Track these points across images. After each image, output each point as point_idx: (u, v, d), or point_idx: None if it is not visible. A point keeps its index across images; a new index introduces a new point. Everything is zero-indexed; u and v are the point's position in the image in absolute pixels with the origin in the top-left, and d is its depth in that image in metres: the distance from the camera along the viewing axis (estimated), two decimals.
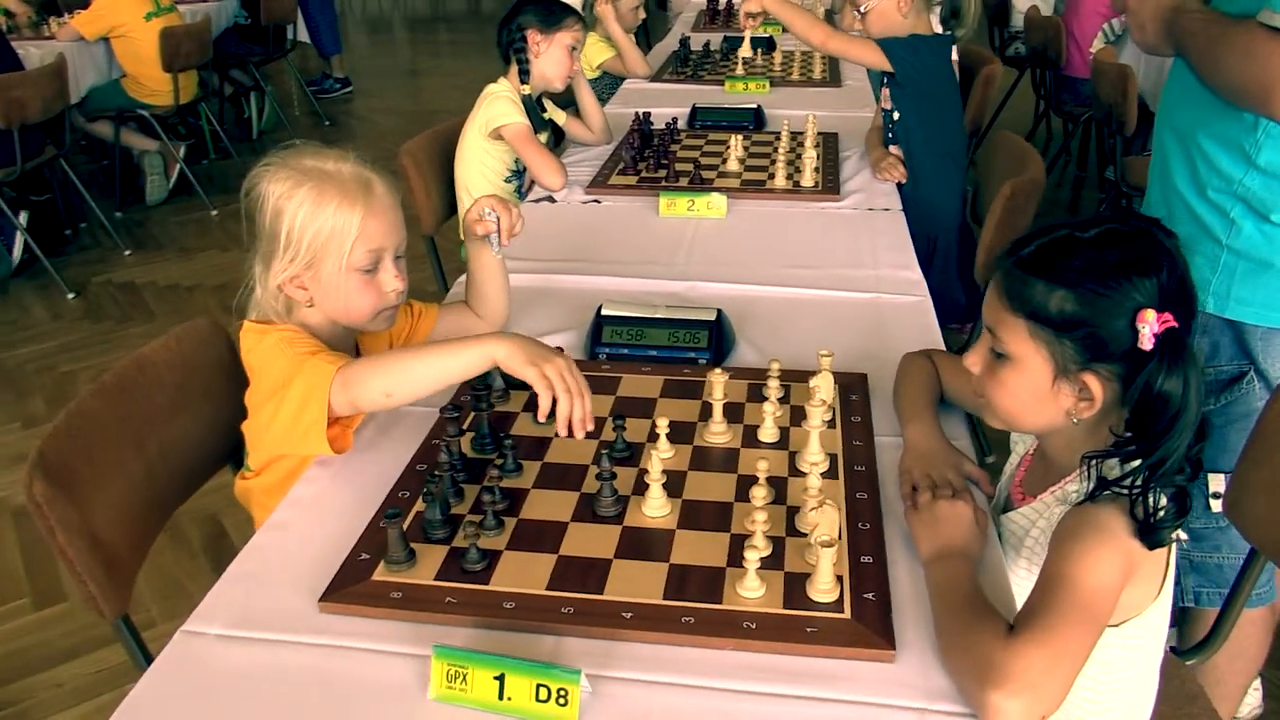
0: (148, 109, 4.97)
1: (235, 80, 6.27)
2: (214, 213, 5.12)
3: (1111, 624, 1.14)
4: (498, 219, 1.61)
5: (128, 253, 4.68)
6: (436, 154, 2.69)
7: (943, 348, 1.70)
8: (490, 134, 2.63)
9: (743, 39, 3.57)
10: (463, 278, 2.05)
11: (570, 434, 1.26)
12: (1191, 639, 1.71)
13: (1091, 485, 1.10)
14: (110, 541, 1.41)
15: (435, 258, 2.67)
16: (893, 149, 2.66)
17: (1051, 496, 1.24)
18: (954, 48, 2.77)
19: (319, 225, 1.42)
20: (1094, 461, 1.11)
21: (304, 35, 7.04)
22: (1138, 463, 1.07)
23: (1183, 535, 1.11)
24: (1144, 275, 1.08)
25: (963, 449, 1.39)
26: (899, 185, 2.56)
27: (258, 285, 1.49)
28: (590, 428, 1.26)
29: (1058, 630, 0.97)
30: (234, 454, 1.73)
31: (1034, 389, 1.17)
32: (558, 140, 2.95)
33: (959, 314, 2.72)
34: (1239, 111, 1.50)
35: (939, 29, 2.74)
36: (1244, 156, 1.54)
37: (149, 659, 1.41)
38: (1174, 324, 1.06)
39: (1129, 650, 1.19)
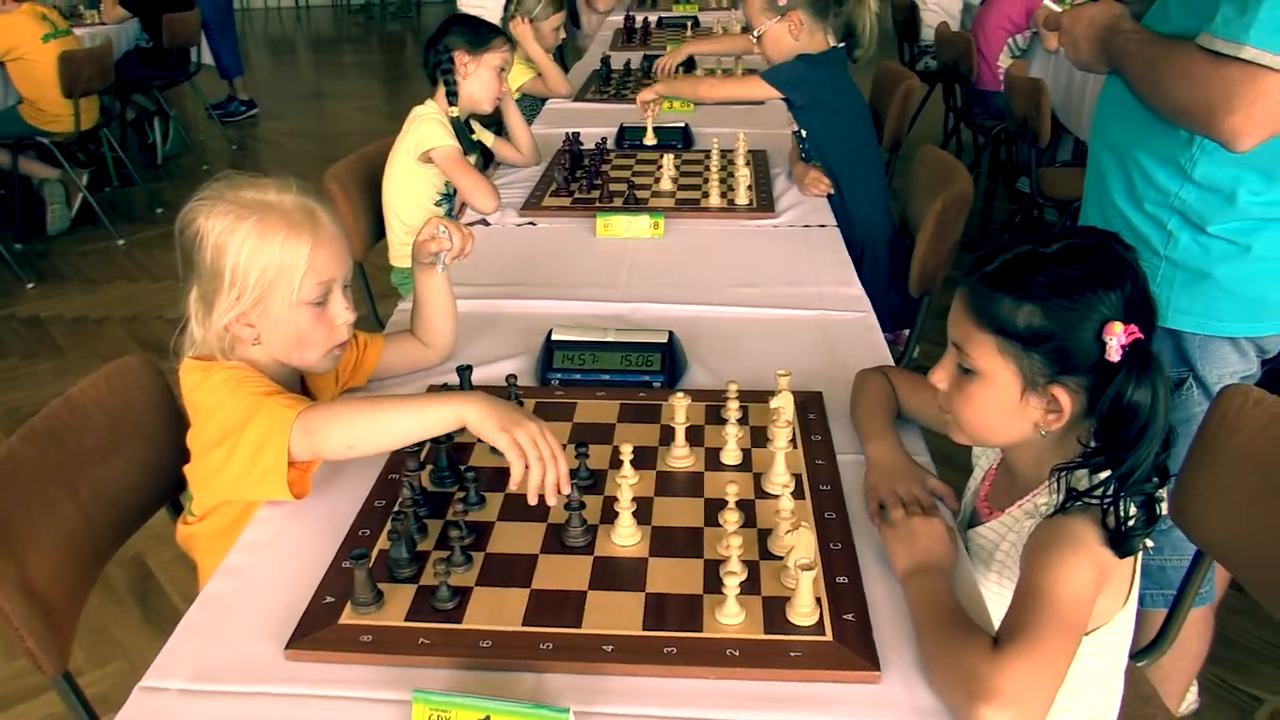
0: (47, 136, 4.79)
1: (138, 105, 6.10)
2: (120, 242, 4.96)
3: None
4: (451, 236, 1.59)
5: (30, 285, 4.51)
6: (363, 178, 2.64)
7: (892, 364, 1.72)
8: (419, 157, 2.59)
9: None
10: (401, 305, 2.03)
11: (541, 502, 1.21)
12: (1139, 642, 1.75)
13: (1061, 497, 1.12)
14: (47, 593, 1.34)
15: (364, 283, 2.62)
16: (811, 167, 2.69)
17: (1020, 510, 1.26)
18: (871, 64, 2.84)
19: (266, 260, 1.37)
20: (1063, 473, 1.14)
21: (207, 58, 6.88)
22: (1107, 473, 1.10)
23: (1149, 543, 1.13)
24: (1109, 288, 1.11)
25: (923, 465, 1.40)
26: (829, 198, 2.60)
27: (197, 326, 1.43)
28: (567, 491, 1.22)
29: (1040, 642, 0.99)
30: (171, 496, 1.67)
31: (1002, 403, 1.18)
32: (486, 162, 2.93)
33: (891, 322, 2.76)
34: (1174, 128, 1.56)
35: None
36: (1180, 171, 1.59)
37: (93, 717, 1.36)
38: (1140, 335, 1.09)
39: (1098, 657, 1.22)
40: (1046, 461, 1.20)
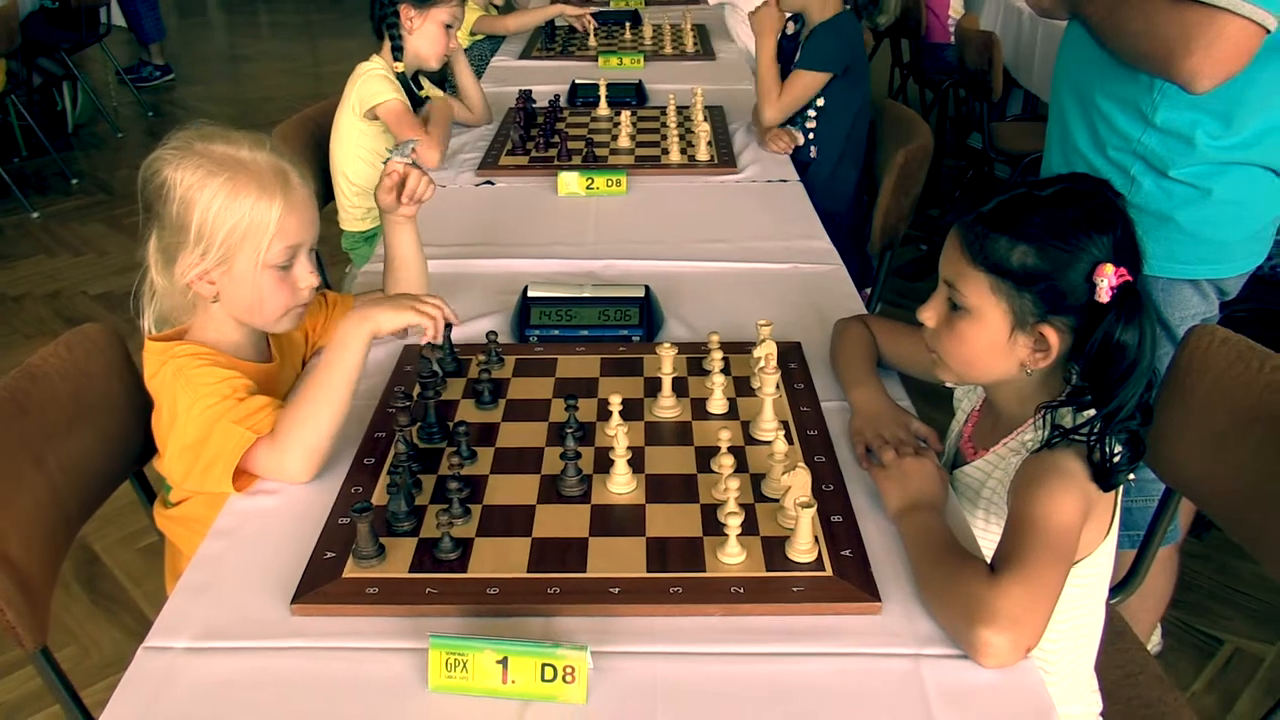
0: None
1: (44, 70, 5.95)
2: (34, 215, 4.87)
3: None
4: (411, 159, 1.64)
5: None
6: (309, 138, 2.64)
7: (865, 312, 1.80)
8: (365, 114, 2.60)
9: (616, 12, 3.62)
10: (364, 269, 2.05)
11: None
12: (1110, 582, 1.86)
13: (1046, 433, 1.20)
14: (24, 565, 1.36)
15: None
16: (790, 129, 2.75)
17: (1005, 448, 1.34)
18: None
19: (235, 221, 1.38)
20: (1048, 411, 1.22)
21: (119, 19, 6.73)
22: (1093, 412, 1.18)
23: (1132, 477, 1.22)
24: (1101, 232, 1.19)
25: (905, 409, 1.48)
26: (804, 165, 2.66)
27: (157, 275, 1.45)
28: (455, 323, 1.51)
29: (1034, 568, 1.07)
30: (134, 468, 1.69)
31: (991, 341, 1.26)
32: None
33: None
34: (1136, 73, 1.64)
35: None
36: (1141, 116, 1.68)
37: (72, 692, 1.38)
38: (1129, 278, 1.17)
39: (1081, 588, 1.30)
40: (1030, 400, 1.28)
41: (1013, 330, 1.24)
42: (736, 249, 2.08)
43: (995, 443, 1.35)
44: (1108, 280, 1.16)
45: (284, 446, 1.34)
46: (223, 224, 1.39)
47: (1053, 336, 1.23)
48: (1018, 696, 1.04)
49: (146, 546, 2.66)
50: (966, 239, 1.25)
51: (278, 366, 1.55)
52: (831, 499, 1.29)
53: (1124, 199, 1.24)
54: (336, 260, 2.91)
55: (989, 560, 1.12)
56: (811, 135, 2.78)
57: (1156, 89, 1.65)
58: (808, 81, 2.70)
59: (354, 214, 2.70)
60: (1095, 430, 1.17)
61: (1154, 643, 2.29)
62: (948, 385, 1.43)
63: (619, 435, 1.31)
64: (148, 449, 1.69)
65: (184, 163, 1.40)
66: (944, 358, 1.32)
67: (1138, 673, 1.58)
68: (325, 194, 2.73)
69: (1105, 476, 1.17)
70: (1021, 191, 1.24)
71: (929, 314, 1.31)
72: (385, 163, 1.67)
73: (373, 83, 2.60)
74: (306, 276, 1.46)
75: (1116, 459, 1.17)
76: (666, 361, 1.46)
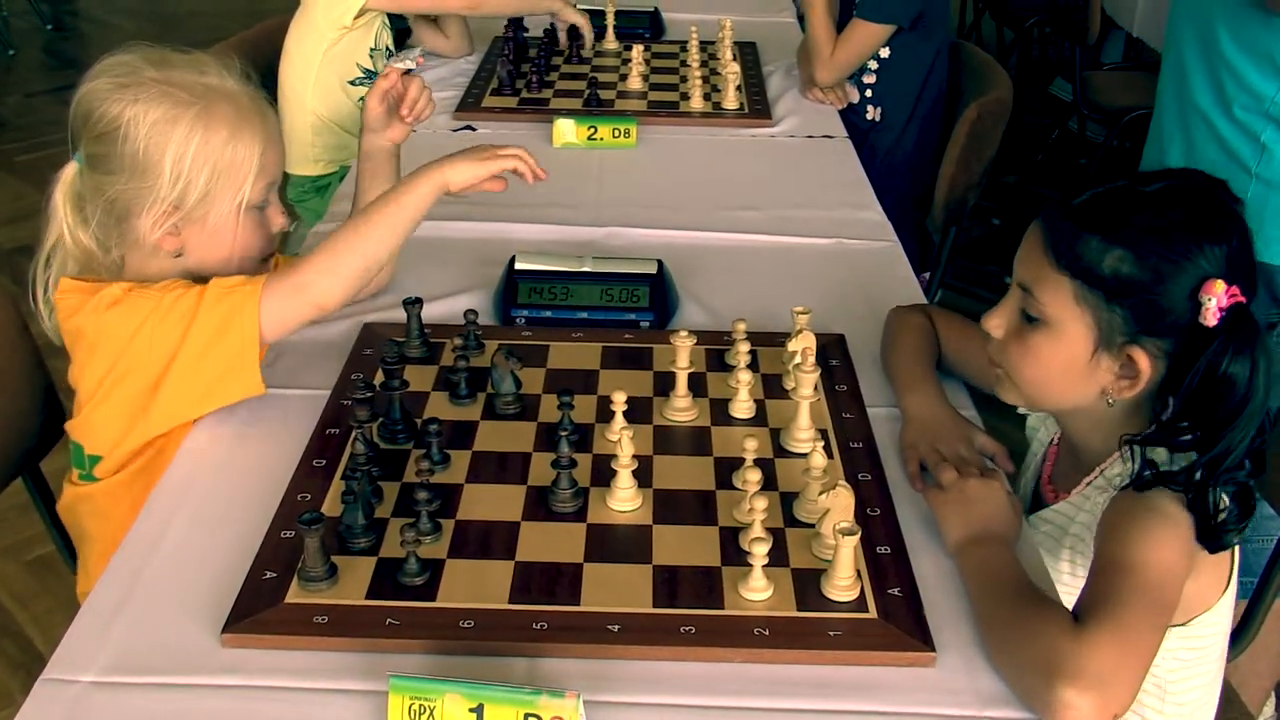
0: None
1: None
2: None
3: (1176, 623, 1.26)
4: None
5: None
6: (258, 60, 2.66)
7: (926, 302, 1.82)
8: (339, 18, 2.61)
9: None
10: (316, 231, 2.07)
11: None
12: None
13: (1138, 468, 1.22)
14: None
15: None
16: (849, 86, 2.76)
17: (1090, 487, 1.36)
18: None
19: (215, 159, 1.43)
20: (1135, 446, 1.23)
21: None
22: (1194, 456, 1.19)
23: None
24: (1213, 241, 1.21)
25: (969, 420, 1.50)
26: (861, 132, 2.67)
27: (76, 238, 1.47)
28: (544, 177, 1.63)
29: (1127, 619, 1.09)
30: (30, 461, 1.71)
31: (1068, 360, 1.28)
32: (398, 46, 2.96)
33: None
34: (1271, 17, 1.66)
35: None
36: (1275, 69, 1.69)
37: None
38: (1241, 299, 1.19)
39: (1197, 652, 1.32)
40: (1113, 435, 1.30)
41: (1096, 349, 1.26)
42: (769, 218, 2.10)
43: (1078, 483, 1.38)
44: (1216, 300, 1.18)
45: (320, 268, 1.42)
46: (202, 165, 1.43)
47: (1143, 361, 1.25)
48: None
49: (36, 559, 2.68)
50: (1051, 236, 1.27)
51: None
52: (878, 526, 1.31)
53: (1242, 205, 1.25)
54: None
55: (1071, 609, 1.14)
56: (870, 93, 2.79)
57: None
58: (868, 34, 2.69)
59: (308, 154, 2.72)
60: (1198, 479, 1.18)
61: (1266, 715, 2.31)
62: (1020, 411, 1.45)
63: (623, 441, 1.33)
64: (47, 438, 1.72)
65: (142, 94, 1.42)
66: (1011, 375, 1.34)
67: None
68: None
69: (1211, 535, 1.19)
70: (1122, 185, 1.26)
71: (995, 322, 1.33)
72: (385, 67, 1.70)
73: None
74: (279, 217, 1.54)
75: (1223, 515, 1.19)
76: (683, 353, 1.49)
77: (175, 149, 1.42)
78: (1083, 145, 4.60)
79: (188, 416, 1.46)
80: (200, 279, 1.50)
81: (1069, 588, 1.33)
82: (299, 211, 2.81)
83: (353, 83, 2.73)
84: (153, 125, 1.41)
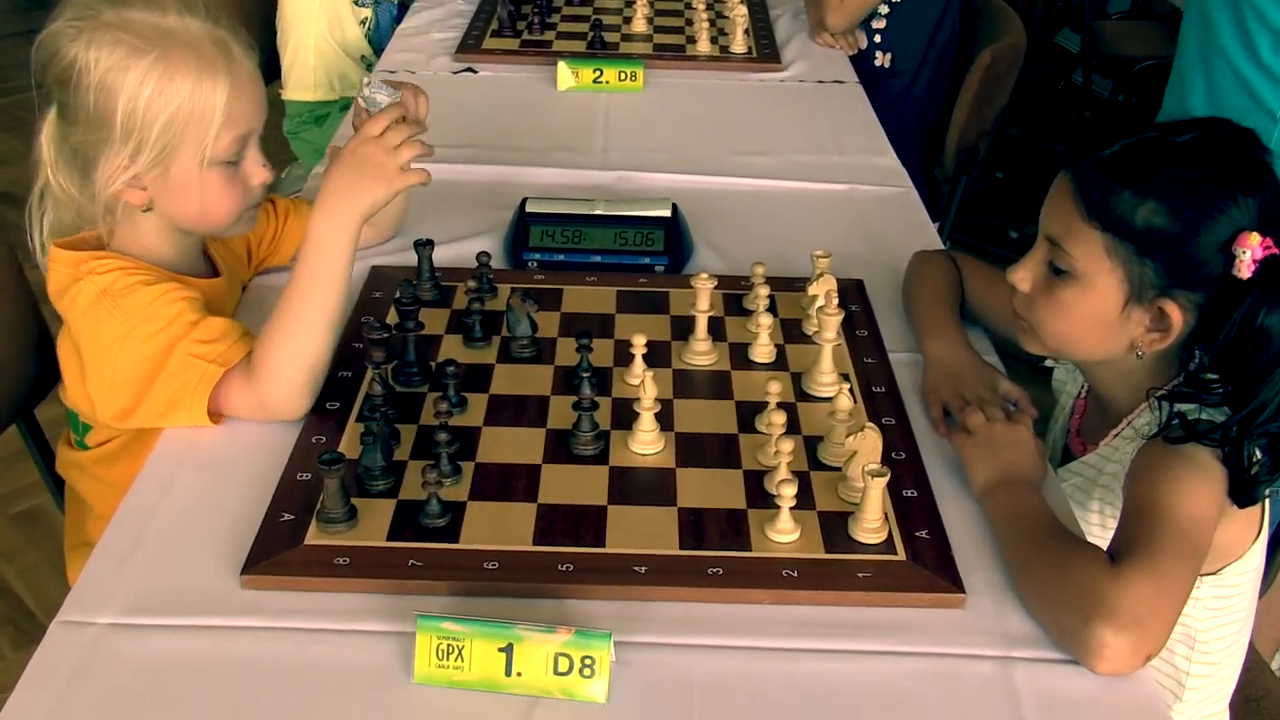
0: None
1: None
2: None
3: (1207, 571, 1.28)
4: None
5: None
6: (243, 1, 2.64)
7: (941, 247, 1.82)
8: None
9: None
10: (317, 173, 2.06)
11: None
12: None
13: (1167, 420, 1.23)
14: None
15: None
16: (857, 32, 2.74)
17: (1119, 438, 1.37)
18: None
19: (173, 108, 1.36)
20: (1164, 400, 1.24)
21: None
22: (1226, 410, 1.20)
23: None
24: (1248, 193, 1.21)
25: (991, 365, 1.51)
26: (872, 77, 2.66)
27: (60, 180, 1.44)
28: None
29: (1162, 561, 1.10)
30: (26, 408, 1.71)
31: (1097, 313, 1.29)
32: (402, 12, 2.92)
33: None
34: None
35: None
36: None
37: None
38: (1276, 250, 1.19)
39: (1226, 600, 1.34)
40: (1140, 386, 1.31)
41: (1127, 303, 1.27)
42: (780, 163, 2.10)
43: (1106, 435, 1.38)
44: (1251, 252, 1.19)
45: (265, 383, 1.35)
46: (157, 114, 1.36)
47: (1175, 314, 1.25)
48: (1129, 713, 1.08)
49: (24, 512, 2.67)
50: (1082, 188, 1.27)
51: (224, 282, 1.56)
52: (904, 470, 1.32)
53: (1272, 155, 1.25)
54: (285, 147, 2.90)
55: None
56: (879, 39, 2.77)
57: None
58: None
59: (307, 78, 2.69)
60: (1231, 434, 1.19)
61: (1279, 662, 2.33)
62: (1046, 363, 1.45)
63: (645, 383, 1.33)
64: (42, 385, 1.71)
65: (96, 38, 1.35)
66: (1038, 328, 1.35)
67: (1260, 696, 1.63)
68: (271, 69, 2.73)
69: (1243, 489, 1.20)
70: (1152, 136, 1.26)
71: (1022, 275, 1.33)
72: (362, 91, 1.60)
73: None
74: (258, 171, 1.46)
75: (1255, 468, 1.20)
76: (703, 296, 1.49)
77: (128, 98, 1.35)
78: (1088, 98, 4.59)
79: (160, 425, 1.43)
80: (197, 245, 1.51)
81: (1099, 539, 1.34)
82: (295, 146, 2.79)
83: (358, 2, 2.71)
84: (106, 71, 1.35)
